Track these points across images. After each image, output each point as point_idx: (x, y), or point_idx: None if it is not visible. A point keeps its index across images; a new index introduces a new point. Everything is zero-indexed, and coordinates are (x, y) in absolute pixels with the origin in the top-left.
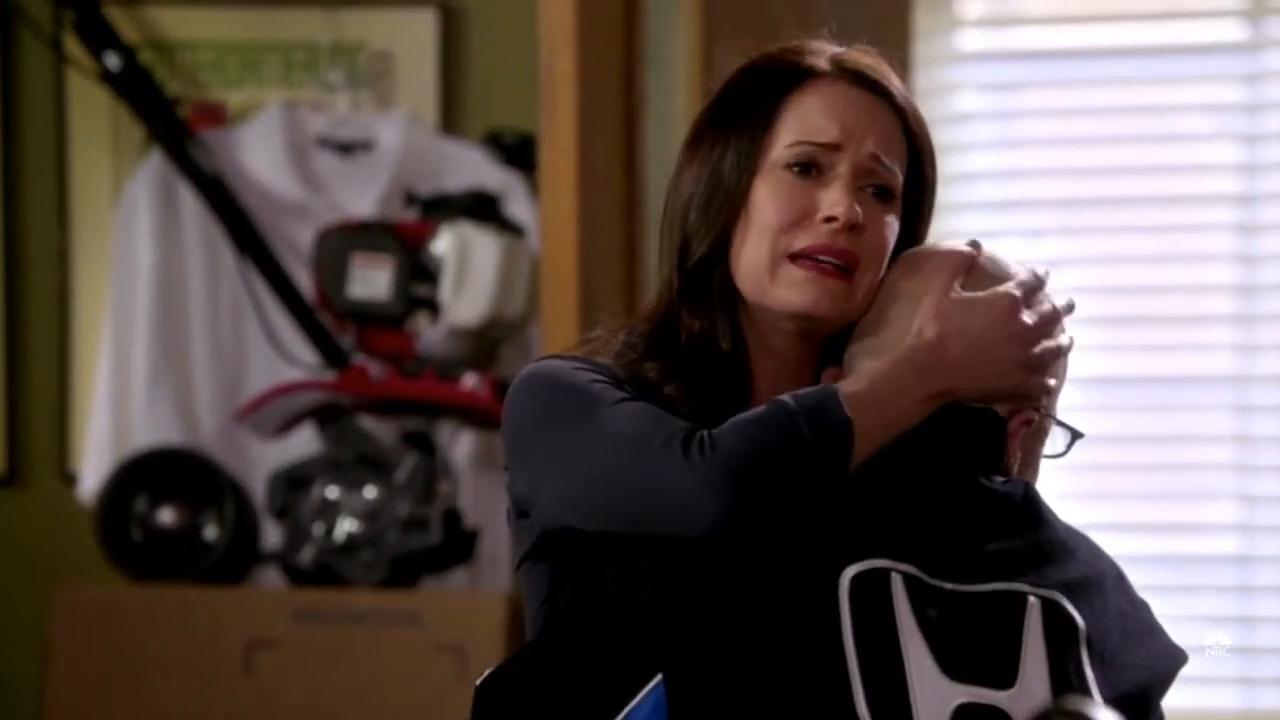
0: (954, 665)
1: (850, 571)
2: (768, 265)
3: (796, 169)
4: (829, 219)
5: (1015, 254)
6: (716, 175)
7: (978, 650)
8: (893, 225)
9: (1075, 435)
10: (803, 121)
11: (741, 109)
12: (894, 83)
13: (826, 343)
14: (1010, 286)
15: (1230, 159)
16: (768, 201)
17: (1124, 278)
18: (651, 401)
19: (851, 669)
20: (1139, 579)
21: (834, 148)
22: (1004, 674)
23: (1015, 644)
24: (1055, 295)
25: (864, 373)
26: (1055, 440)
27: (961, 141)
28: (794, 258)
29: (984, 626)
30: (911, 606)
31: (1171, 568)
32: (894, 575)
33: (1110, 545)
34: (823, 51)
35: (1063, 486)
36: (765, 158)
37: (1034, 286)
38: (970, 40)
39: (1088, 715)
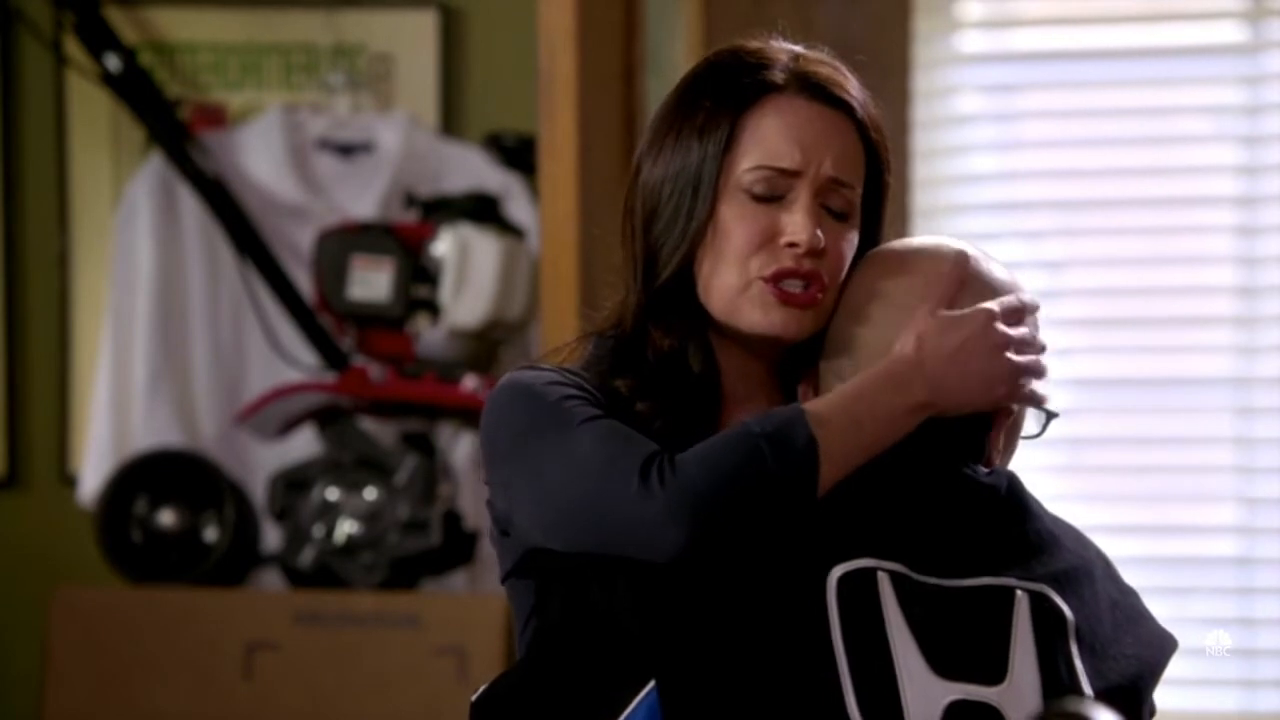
0: (943, 663)
1: (837, 571)
2: (736, 290)
3: (758, 192)
4: (791, 244)
5: (1014, 256)
6: (680, 189)
7: (967, 647)
8: (852, 240)
9: (1050, 415)
10: (763, 144)
11: (703, 118)
12: (852, 93)
13: (791, 351)
14: (990, 304)
15: (1230, 161)
16: (733, 226)
17: (1124, 279)
18: (623, 416)
19: (841, 670)
20: (1139, 581)
21: (794, 173)
22: (994, 669)
23: (1004, 639)
24: (1049, 299)
25: (837, 391)
26: (1030, 422)
27: (961, 143)
28: (761, 280)
29: (972, 622)
30: (899, 605)
31: (1171, 570)
32: (880, 574)
33: (1110, 547)
34: (779, 61)
35: (1062, 488)
36: (728, 177)
37: (1014, 308)
38: (970, 42)
39: (1084, 716)
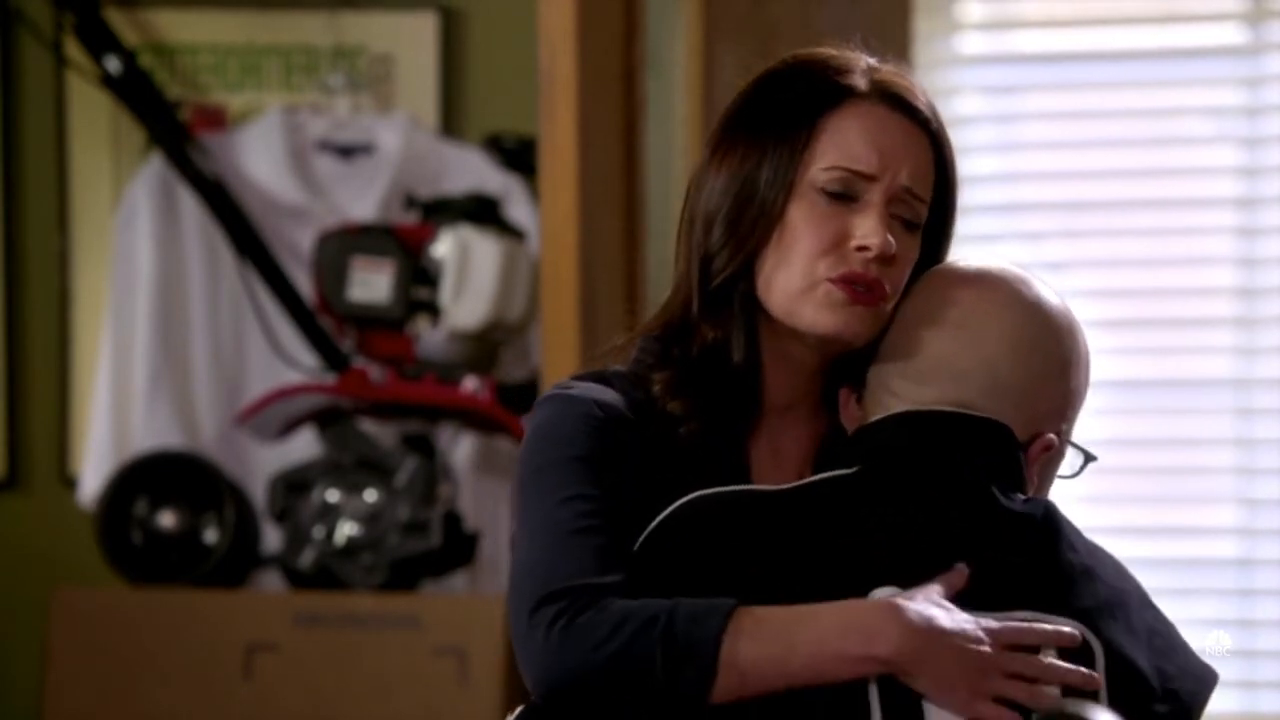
0: None
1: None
2: (801, 290)
3: (831, 193)
4: (862, 248)
5: (1015, 258)
6: (749, 190)
7: None
8: (914, 255)
9: (1089, 458)
10: (841, 146)
11: (778, 120)
12: (926, 106)
13: (837, 362)
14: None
15: (1230, 162)
16: (804, 227)
17: (1124, 281)
18: (659, 421)
19: (873, 703)
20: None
21: (870, 177)
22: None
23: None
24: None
25: (799, 609)
26: (1068, 460)
27: (962, 145)
28: (828, 281)
29: None
30: None
31: (1172, 571)
32: None
33: (1111, 549)
34: (859, 67)
35: (1062, 490)
36: (801, 175)
37: (1022, 636)
38: (971, 43)
39: (1084, 717)
